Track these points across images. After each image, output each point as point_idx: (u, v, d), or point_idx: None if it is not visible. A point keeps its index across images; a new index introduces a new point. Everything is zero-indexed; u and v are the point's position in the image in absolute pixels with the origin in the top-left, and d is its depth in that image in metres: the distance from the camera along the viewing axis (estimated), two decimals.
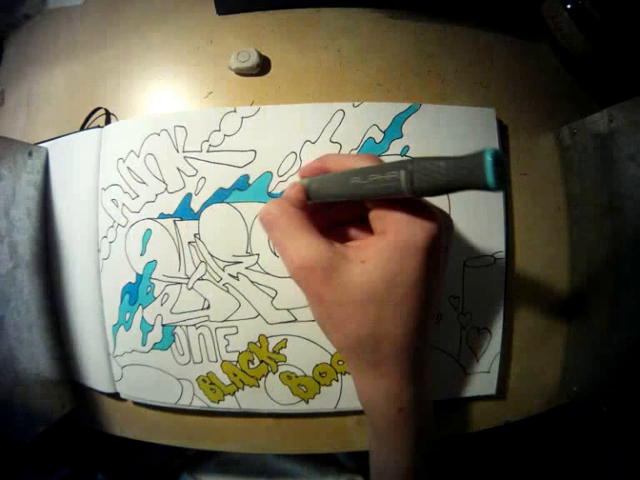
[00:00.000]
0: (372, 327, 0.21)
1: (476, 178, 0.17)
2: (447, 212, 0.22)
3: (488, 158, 0.17)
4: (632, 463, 0.36)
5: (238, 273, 0.36)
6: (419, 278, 0.20)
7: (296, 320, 0.36)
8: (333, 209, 0.26)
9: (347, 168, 0.23)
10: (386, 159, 0.36)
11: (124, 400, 0.40)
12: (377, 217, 0.22)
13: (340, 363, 0.36)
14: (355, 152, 0.36)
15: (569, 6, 0.37)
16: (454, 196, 0.36)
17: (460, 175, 0.18)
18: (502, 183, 0.17)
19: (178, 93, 0.41)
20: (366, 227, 0.24)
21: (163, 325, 0.37)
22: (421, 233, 0.20)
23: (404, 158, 0.19)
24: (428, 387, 0.24)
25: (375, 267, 0.20)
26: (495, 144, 0.36)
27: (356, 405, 0.36)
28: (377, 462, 0.26)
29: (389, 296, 0.20)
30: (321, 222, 0.24)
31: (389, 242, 0.20)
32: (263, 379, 0.36)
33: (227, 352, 0.36)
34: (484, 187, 0.17)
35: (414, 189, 0.19)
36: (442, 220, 0.21)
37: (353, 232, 0.25)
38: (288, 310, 0.36)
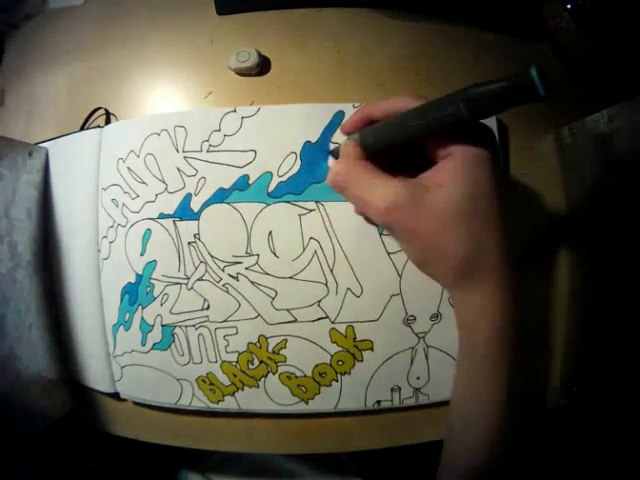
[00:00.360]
0: (469, 245, 0.21)
1: (529, 92, 0.19)
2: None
3: (534, 73, 0.19)
4: (632, 463, 0.36)
5: (238, 273, 0.36)
6: (495, 185, 0.21)
7: (296, 320, 0.36)
8: (385, 156, 0.25)
9: (393, 112, 0.24)
10: None
11: (124, 400, 0.40)
12: (438, 145, 0.22)
13: (340, 363, 0.36)
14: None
15: (569, 6, 0.37)
16: None
17: (514, 92, 0.20)
18: (551, 91, 0.19)
19: (178, 93, 0.41)
20: (422, 163, 0.24)
21: (163, 325, 0.37)
22: (484, 146, 0.21)
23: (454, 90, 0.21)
24: (522, 308, 0.24)
25: (455, 187, 0.21)
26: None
27: (356, 405, 0.36)
28: (466, 403, 0.25)
29: (475, 210, 0.21)
30: (382, 169, 0.24)
31: (459, 161, 0.21)
32: (263, 379, 0.36)
33: (227, 352, 0.36)
34: (537, 98, 0.19)
35: (475, 116, 0.21)
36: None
37: (414, 171, 0.25)
38: (288, 310, 0.36)
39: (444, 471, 0.28)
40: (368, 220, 0.31)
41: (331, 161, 0.34)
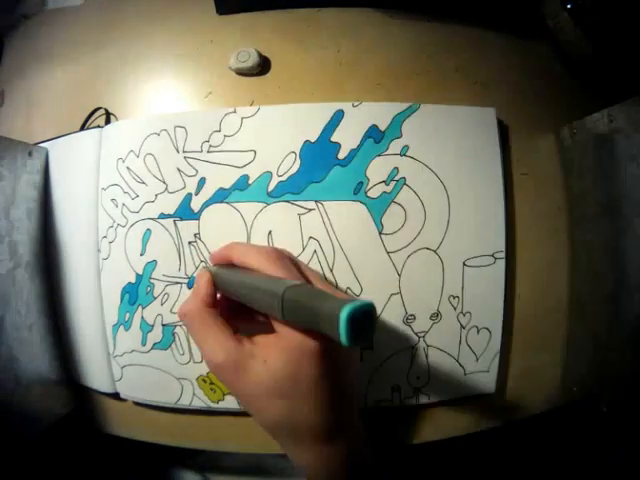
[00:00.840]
0: (286, 416, 0.23)
1: (333, 333, 0.17)
2: None
3: (343, 318, 0.17)
4: (632, 463, 0.36)
5: None
6: (319, 377, 0.22)
7: None
8: None
9: (247, 265, 0.25)
10: (385, 159, 0.36)
11: (124, 400, 0.40)
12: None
13: None
14: (355, 152, 0.36)
15: (569, 6, 0.37)
16: (453, 195, 0.36)
17: (321, 326, 0.18)
18: (361, 339, 0.17)
19: (178, 93, 0.41)
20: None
21: (163, 325, 0.37)
22: (312, 341, 0.22)
23: (283, 284, 0.21)
24: (359, 457, 0.27)
25: (276, 367, 0.22)
26: (495, 144, 0.36)
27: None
28: None
29: (294, 391, 0.22)
30: (230, 307, 0.27)
31: (284, 347, 0.22)
32: None
33: None
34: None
35: (285, 318, 0.21)
36: None
37: (260, 317, 0.27)
38: None
39: None
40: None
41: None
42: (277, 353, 0.22)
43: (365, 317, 0.18)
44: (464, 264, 0.36)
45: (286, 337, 0.22)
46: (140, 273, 0.37)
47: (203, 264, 0.36)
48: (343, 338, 0.17)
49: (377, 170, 0.36)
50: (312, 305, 0.19)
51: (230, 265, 0.27)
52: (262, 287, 0.22)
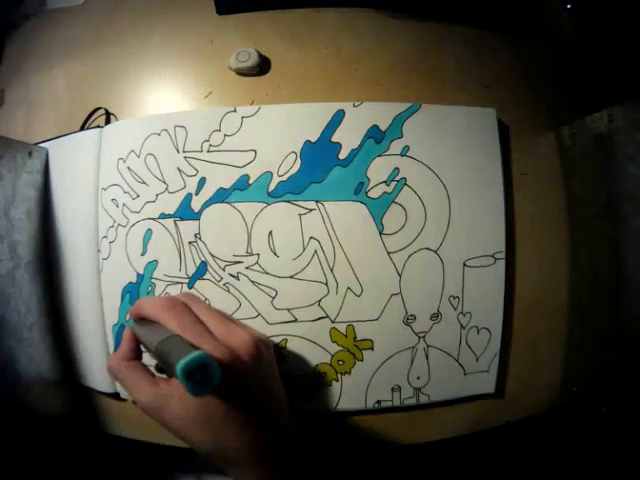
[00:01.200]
0: (212, 444, 0.26)
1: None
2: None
3: (179, 373, 0.20)
4: (632, 463, 0.36)
5: (238, 273, 0.36)
6: (228, 409, 0.25)
7: (296, 320, 0.36)
8: None
9: (150, 318, 0.28)
10: (386, 159, 0.36)
11: (124, 400, 0.40)
12: None
13: (340, 363, 0.36)
14: (356, 152, 0.36)
15: (569, 6, 0.37)
16: (454, 196, 0.36)
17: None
18: (203, 389, 0.20)
19: (178, 93, 0.41)
20: None
21: None
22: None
23: (156, 340, 0.25)
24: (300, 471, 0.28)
25: (189, 403, 0.25)
26: (496, 144, 0.37)
27: (356, 405, 0.36)
28: None
29: (210, 422, 0.25)
30: None
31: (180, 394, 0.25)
32: None
33: None
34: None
35: (160, 372, 0.27)
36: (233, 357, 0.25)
37: None
38: (288, 310, 0.36)
39: None
40: None
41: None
42: (184, 393, 0.25)
43: (201, 368, 0.20)
44: (464, 264, 0.36)
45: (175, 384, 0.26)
46: (141, 273, 0.37)
47: (204, 264, 0.36)
48: (187, 389, 0.20)
49: (378, 170, 0.36)
50: (169, 360, 0.22)
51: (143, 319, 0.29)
52: (148, 341, 0.26)
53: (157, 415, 0.26)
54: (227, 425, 0.25)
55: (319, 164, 0.36)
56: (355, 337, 0.36)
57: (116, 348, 0.38)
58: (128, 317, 0.32)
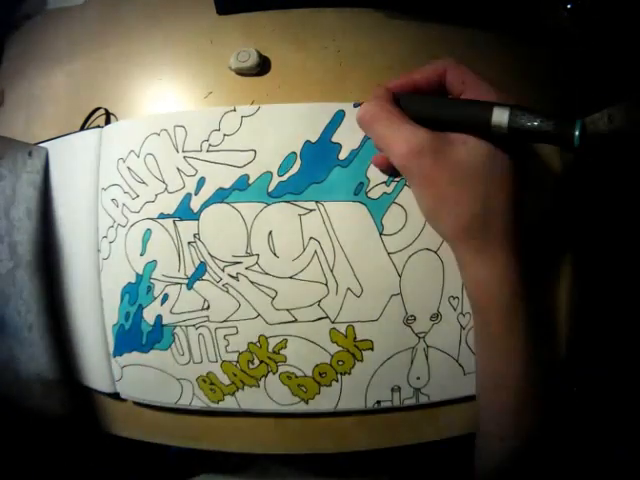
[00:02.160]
0: (482, 203, 0.22)
1: (565, 141, 0.20)
2: None
3: (577, 128, 0.20)
4: (632, 463, 0.36)
5: (238, 273, 0.36)
6: (514, 161, 0.22)
7: (296, 320, 0.36)
8: None
9: (435, 78, 0.25)
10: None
11: (124, 400, 0.40)
12: None
13: (340, 363, 0.36)
14: (356, 152, 0.36)
15: (569, 6, 0.37)
16: None
17: (551, 136, 0.21)
18: (584, 145, 0.20)
19: (178, 93, 0.41)
20: None
21: (163, 325, 0.37)
22: None
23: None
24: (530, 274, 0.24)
25: (478, 146, 0.22)
26: None
27: (356, 405, 0.36)
28: (487, 368, 0.25)
29: (493, 172, 0.22)
30: None
31: (475, 142, 0.22)
32: (263, 379, 0.36)
33: (227, 352, 0.36)
34: (570, 148, 0.20)
35: (507, 134, 0.22)
36: None
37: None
38: (288, 310, 0.36)
39: (480, 454, 0.27)
40: (384, 170, 0.30)
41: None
42: (476, 136, 0.22)
43: (585, 130, 0.20)
44: None
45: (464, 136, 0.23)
46: (140, 273, 0.37)
47: (203, 265, 0.36)
48: (577, 141, 0.20)
49: (378, 171, 0.35)
50: (541, 121, 0.21)
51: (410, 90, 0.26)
52: (470, 105, 0.23)
53: (427, 160, 0.22)
54: (509, 189, 0.22)
55: (319, 164, 0.36)
56: (355, 337, 0.36)
57: (116, 348, 0.38)
58: (393, 86, 0.28)
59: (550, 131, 0.21)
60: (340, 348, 0.36)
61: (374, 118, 0.24)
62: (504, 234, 0.23)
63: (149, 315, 0.37)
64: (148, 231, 0.37)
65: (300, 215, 0.35)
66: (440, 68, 0.25)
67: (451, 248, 0.24)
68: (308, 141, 0.36)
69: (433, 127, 0.24)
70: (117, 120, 0.41)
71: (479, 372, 0.26)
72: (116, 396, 0.39)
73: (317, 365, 0.36)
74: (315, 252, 0.35)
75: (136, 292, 0.37)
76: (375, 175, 0.36)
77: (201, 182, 0.36)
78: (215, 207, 0.36)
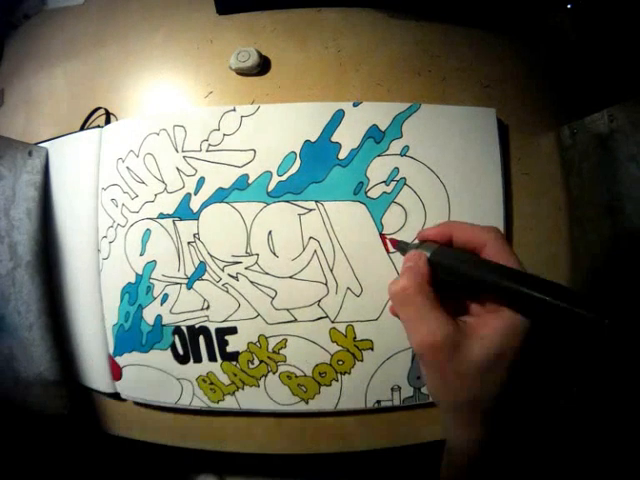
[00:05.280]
0: (480, 392, 0.24)
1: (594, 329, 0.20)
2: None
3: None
4: (632, 462, 0.35)
5: (237, 273, 0.36)
6: (518, 354, 0.23)
7: (296, 320, 0.36)
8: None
9: (474, 241, 0.26)
10: (386, 159, 0.36)
11: (124, 400, 0.40)
12: (492, 296, 0.24)
13: (340, 363, 0.36)
14: (356, 152, 0.36)
15: (569, 6, 0.37)
16: (453, 195, 0.36)
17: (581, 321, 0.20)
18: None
19: (178, 93, 0.41)
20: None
21: (163, 325, 0.37)
22: (525, 319, 0.23)
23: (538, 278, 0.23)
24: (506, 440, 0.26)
25: (492, 344, 0.23)
26: (496, 144, 0.36)
27: (356, 405, 0.36)
28: None
29: (496, 367, 0.23)
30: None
31: (504, 324, 0.23)
32: (263, 379, 0.36)
33: (227, 352, 0.36)
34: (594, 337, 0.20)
35: (541, 319, 0.22)
36: None
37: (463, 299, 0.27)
38: (288, 310, 0.36)
39: None
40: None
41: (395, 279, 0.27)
42: (493, 331, 0.23)
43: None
44: None
45: (506, 315, 0.23)
46: (140, 273, 0.37)
47: (203, 264, 0.36)
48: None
49: (377, 170, 0.35)
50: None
51: (445, 245, 0.27)
52: (516, 276, 0.23)
53: (444, 355, 0.23)
54: (507, 372, 0.23)
55: (319, 164, 0.35)
56: (355, 337, 0.36)
57: (116, 347, 0.38)
58: (420, 238, 0.27)
59: (582, 316, 0.20)
60: (340, 348, 0.36)
61: (407, 300, 0.25)
62: (489, 415, 0.24)
63: (149, 315, 0.37)
64: (148, 231, 0.37)
65: (300, 215, 0.35)
66: (482, 239, 0.25)
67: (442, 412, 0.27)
68: (308, 141, 0.36)
69: (462, 285, 0.25)
70: (117, 120, 0.41)
71: None
72: (116, 396, 0.39)
73: (317, 365, 0.36)
74: (315, 252, 0.35)
75: (136, 292, 0.37)
76: (375, 174, 0.35)
77: (201, 182, 0.36)
78: (215, 207, 0.36)
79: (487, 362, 0.23)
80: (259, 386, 0.37)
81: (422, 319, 0.24)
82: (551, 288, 0.22)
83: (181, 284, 0.36)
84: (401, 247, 0.29)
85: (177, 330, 0.37)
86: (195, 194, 0.36)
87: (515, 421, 0.26)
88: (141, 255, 0.37)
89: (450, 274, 0.25)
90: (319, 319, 0.36)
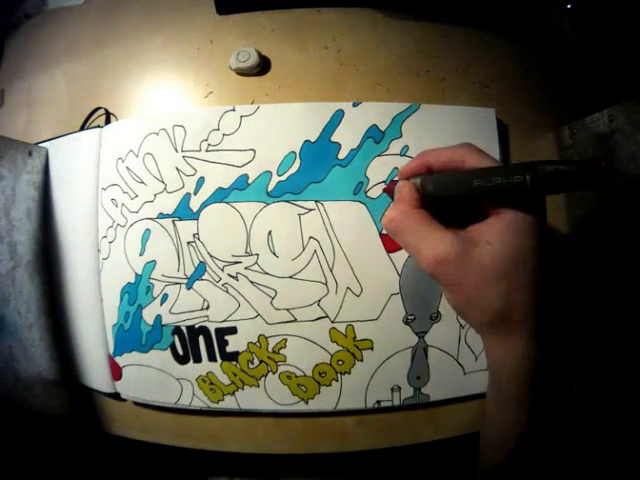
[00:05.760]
0: (505, 300, 0.23)
1: (593, 182, 0.21)
2: None
3: (601, 165, 0.21)
4: (632, 463, 0.35)
5: (237, 273, 0.36)
6: (536, 251, 0.23)
7: (296, 320, 0.36)
8: (437, 203, 0.26)
9: (452, 162, 0.25)
10: (386, 159, 0.36)
11: (124, 400, 0.40)
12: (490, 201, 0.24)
13: (340, 363, 0.36)
14: (355, 152, 0.36)
15: (569, 6, 0.37)
16: None
17: (579, 180, 0.21)
18: (611, 182, 0.21)
19: (178, 93, 0.41)
20: (469, 209, 0.25)
21: (162, 325, 0.37)
22: (532, 211, 0.23)
23: (520, 161, 0.25)
24: (548, 350, 0.25)
25: (501, 247, 0.22)
26: (495, 144, 0.36)
27: (356, 405, 0.36)
28: (495, 426, 0.27)
29: (515, 271, 0.23)
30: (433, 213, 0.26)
31: (507, 223, 0.23)
32: (263, 379, 0.36)
33: (227, 352, 0.36)
34: (598, 187, 0.21)
35: (538, 190, 0.22)
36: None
37: (460, 214, 0.26)
38: (288, 310, 0.36)
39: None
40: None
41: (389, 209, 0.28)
42: (498, 233, 0.23)
43: (611, 167, 0.23)
44: None
45: (507, 215, 0.23)
46: (139, 273, 0.37)
47: (202, 264, 0.36)
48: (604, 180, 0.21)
49: (377, 170, 0.36)
50: (567, 166, 0.21)
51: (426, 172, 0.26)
52: (501, 172, 0.23)
53: (454, 267, 0.23)
54: (532, 282, 0.23)
55: (318, 164, 0.36)
56: (355, 337, 0.36)
57: (116, 347, 0.38)
58: (401, 176, 0.27)
59: (575, 171, 0.21)
60: (340, 348, 0.36)
61: (399, 228, 0.25)
62: (524, 324, 0.24)
63: (148, 315, 0.37)
64: (147, 231, 0.37)
65: (299, 214, 0.35)
66: (459, 156, 0.25)
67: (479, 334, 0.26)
68: (307, 140, 0.36)
69: (459, 202, 0.26)
70: (117, 120, 0.41)
71: (486, 423, 0.29)
72: (116, 396, 0.39)
73: (317, 365, 0.36)
74: (315, 251, 0.35)
75: (135, 292, 0.37)
76: (374, 174, 0.36)
77: (200, 182, 0.36)
78: (214, 207, 0.36)
79: (503, 265, 0.22)
80: (259, 386, 0.37)
81: (422, 239, 0.24)
82: (529, 165, 0.22)
83: (181, 284, 0.36)
84: (390, 190, 0.29)
85: (177, 330, 0.37)
86: (195, 194, 0.36)
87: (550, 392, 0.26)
88: (141, 255, 0.37)
89: (441, 194, 0.25)
90: (319, 319, 0.36)
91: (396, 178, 0.28)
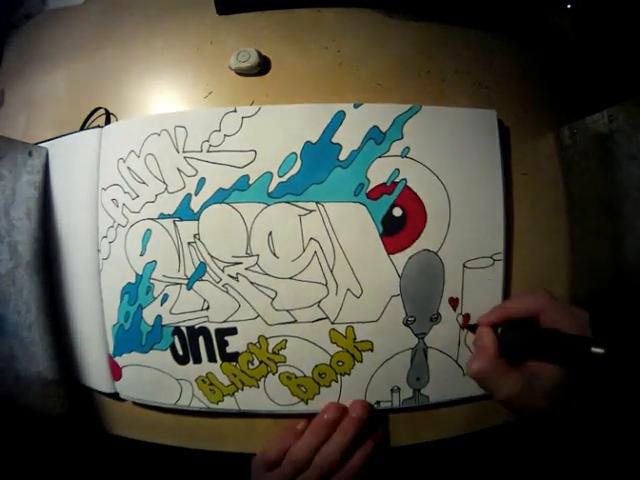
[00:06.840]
0: (550, 405, 0.30)
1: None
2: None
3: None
4: (632, 463, 0.36)
5: (238, 274, 0.36)
6: (566, 388, 0.30)
7: (296, 321, 0.36)
8: None
9: (528, 313, 0.32)
10: (387, 160, 0.36)
11: (124, 400, 0.40)
12: None
13: (340, 364, 0.36)
14: (356, 153, 0.36)
15: (569, 6, 0.37)
16: (454, 197, 0.36)
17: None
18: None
19: (178, 93, 0.41)
20: None
21: (162, 325, 0.37)
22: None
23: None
24: None
25: (550, 372, 0.30)
26: (496, 146, 0.36)
27: None
28: None
29: (558, 386, 0.30)
30: None
31: (553, 370, 0.30)
32: (263, 379, 0.37)
33: (227, 353, 0.36)
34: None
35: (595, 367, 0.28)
36: None
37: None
38: (288, 311, 0.36)
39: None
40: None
41: (471, 360, 0.33)
42: (550, 372, 0.30)
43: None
44: (464, 266, 0.36)
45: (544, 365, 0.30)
46: (140, 273, 0.37)
47: (203, 265, 0.36)
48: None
49: (378, 171, 0.36)
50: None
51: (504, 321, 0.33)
52: (567, 339, 0.29)
53: (526, 394, 0.29)
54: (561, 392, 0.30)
55: (319, 165, 0.36)
56: (355, 338, 0.36)
57: (116, 347, 0.38)
58: (482, 322, 0.34)
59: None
60: (340, 349, 0.36)
61: (487, 378, 0.31)
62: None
63: (149, 315, 0.37)
64: (148, 231, 0.37)
65: (300, 216, 0.35)
66: (536, 307, 0.31)
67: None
68: (308, 142, 0.36)
69: (529, 354, 0.31)
70: (117, 120, 0.41)
71: None
72: (116, 396, 0.39)
73: (317, 365, 0.36)
74: (315, 253, 0.35)
75: (136, 292, 0.37)
76: (375, 176, 0.36)
77: (201, 182, 0.36)
78: (215, 207, 0.36)
79: (552, 386, 0.29)
80: (259, 387, 0.37)
81: (500, 385, 0.30)
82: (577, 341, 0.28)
83: (181, 284, 0.36)
84: (470, 327, 0.36)
85: (177, 330, 0.37)
86: (196, 194, 0.36)
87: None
88: (141, 255, 0.37)
89: (522, 347, 0.31)
90: (319, 320, 0.36)
91: (475, 322, 0.34)
